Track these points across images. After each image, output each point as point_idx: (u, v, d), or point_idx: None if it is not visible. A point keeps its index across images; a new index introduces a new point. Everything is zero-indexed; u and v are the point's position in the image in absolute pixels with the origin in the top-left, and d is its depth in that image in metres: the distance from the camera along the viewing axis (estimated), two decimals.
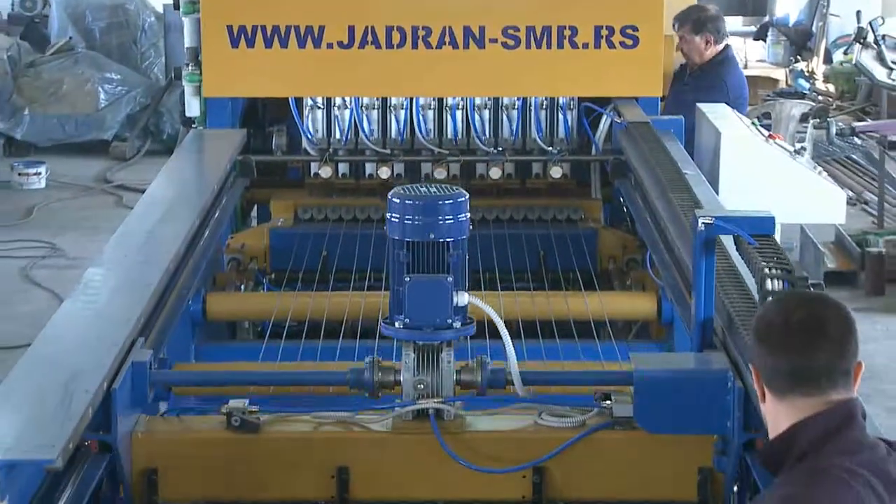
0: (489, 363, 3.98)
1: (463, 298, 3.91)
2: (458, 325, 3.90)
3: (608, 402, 3.84)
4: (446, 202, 3.90)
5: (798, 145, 8.64)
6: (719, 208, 5.09)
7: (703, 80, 8.68)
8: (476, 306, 4.02)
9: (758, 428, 3.53)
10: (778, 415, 2.99)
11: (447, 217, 3.87)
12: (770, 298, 3.62)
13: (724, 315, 4.03)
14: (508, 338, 4.02)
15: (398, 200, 3.92)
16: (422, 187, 4.00)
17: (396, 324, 3.90)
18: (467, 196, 3.97)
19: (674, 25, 8.79)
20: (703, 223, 3.89)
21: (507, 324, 5.53)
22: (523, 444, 3.82)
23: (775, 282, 3.93)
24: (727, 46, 8.96)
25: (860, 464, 2.92)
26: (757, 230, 3.94)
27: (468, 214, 3.97)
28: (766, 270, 3.89)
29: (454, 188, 4.00)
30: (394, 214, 3.93)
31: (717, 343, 3.97)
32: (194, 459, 3.80)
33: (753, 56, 15.51)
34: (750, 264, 4.21)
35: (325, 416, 3.92)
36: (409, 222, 3.88)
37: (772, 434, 3.04)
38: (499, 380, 3.95)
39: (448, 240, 3.90)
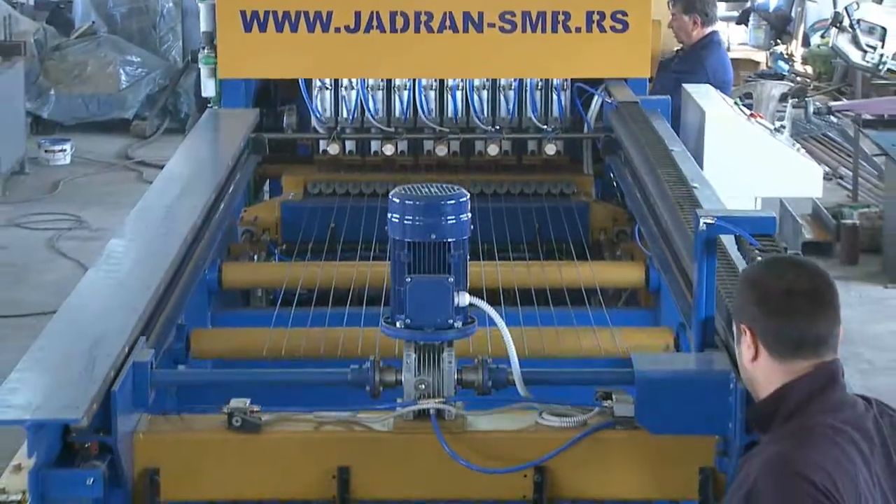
0: (490, 363, 3.76)
1: (464, 299, 3.71)
2: (459, 324, 3.69)
3: (609, 401, 3.65)
4: (448, 203, 3.72)
5: (778, 123, 8.61)
6: (717, 202, 4.94)
7: (685, 63, 8.65)
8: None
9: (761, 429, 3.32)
10: (771, 375, 3.01)
11: (449, 217, 3.70)
12: (756, 262, 3.48)
13: (725, 314, 3.78)
14: (510, 339, 3.77)
15: (399, 201, 3.73)
16: (423, 188, 3.79)
17: (398, 324, 3.71)
18: (468, 196, 3.77)
19: (669, 3, 8.81)
20: (704, 223, 3.71)
21: (505, 292, 5.57)
22: (524, 443, 3.64)
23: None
24: (714, 32, 8.93)
25: (844, 421, 2.94)
26: (758, 230, 3.77)
27: (469, 214, 3.77)
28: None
29: (455, 188, 3.80)
30: (395, 215, 3.73)
31: (719, 342, 3.77)
32: (196, 459, 3.63)
33: (736, 39, 15.44)
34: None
35: (326, 415, 3.71)
36: (410, 223, 3.69)
37: (760, 393, 3.04)
38: (500, 380, 3.74)
39: (449, 240, 3.70)
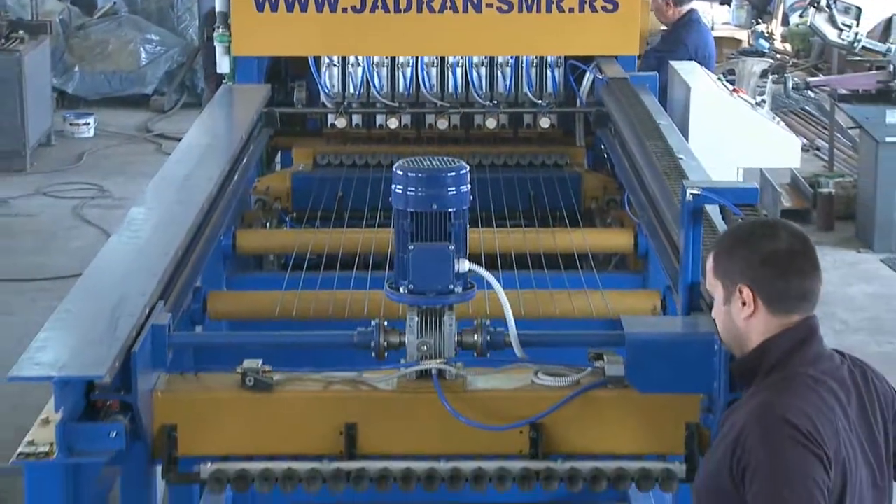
0: (489, 326, 3.76)
1: (464, 265, 3.69)
2: (459, 290, 3.67)
3: (601, 362, 3.64)
4: (449, 174, 3.70)
5: (758, 98, 8.56)
6: (702, 172, 4.90)
7: (666, 42, 8.64)
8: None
9: (742, 387, 3.31)
10: (766, 331, 3.00)
11: (450, 188, 3.68)
12: (736, 226, 3.45)
13: None
14: (507, 303, 3.76)
15: (402, 173, 3.71)
16: (425, 160, 3.76)
17: (401, 289, 3.69)
18: (468, 168, 3.74)
19: None
20: (691, 194, 3.70)
21: (502, 257, 5.56)
22: (521, 402, 3.61)
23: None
24: (692, 10, 8.90)
25: (822, 372, 2.96)
26: (741, 200, 3.76)
27: (469, 186, 3.74)
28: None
29: (456, 161, 3.77)
30: (398, 186, 3.71)
31: (704, 306, 3.75)
32: (211, 416, 3.62)
33: (720, 19, 15.37)
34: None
35: (333, 375, 3.71)
36: (413, 193, 3.67)
37: (746, 349, 3.04)
38: (498, 342, 3.73)
39: (450, 210, 3.68)
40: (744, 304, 3.03)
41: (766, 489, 2.81)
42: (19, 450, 3.29)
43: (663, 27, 8.93)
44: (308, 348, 4.00)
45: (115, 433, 3.33)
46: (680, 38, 8.60)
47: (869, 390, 3.11)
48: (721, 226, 4.07)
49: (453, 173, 3.73)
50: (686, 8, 8.74)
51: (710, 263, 3.17)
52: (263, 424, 3.61)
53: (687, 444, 3.60)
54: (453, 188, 3.71)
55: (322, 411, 3.64)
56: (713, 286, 3.15)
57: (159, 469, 3.70)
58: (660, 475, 3.64)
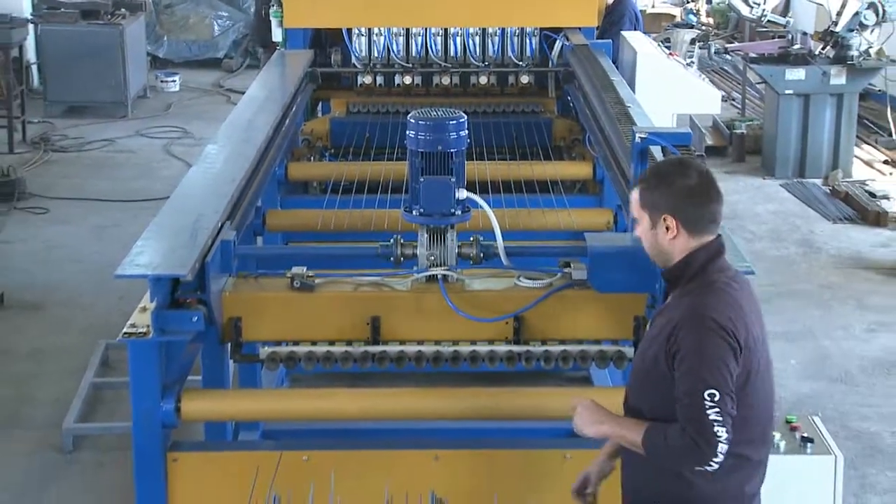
0: (481, 241, 3.74)
1: (463, 193, 3.67)
2: (459, 213, 3.66)
3: (568, 268, 3.61)
4: (450, 122, 3.67)
5: (688, 60, 8.50)
6: (645, 118, 4.79)
7: (613, 14, 8.53)
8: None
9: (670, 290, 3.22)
10: (688, 247, 2.96)
11: (451, 134, 3.65)
12: (655, 165, 3.34)
13: None
14: (496, 222, 3.71)
15: (414, 121, 3.68)
16: (432, 111, 3.71)
17: (414, 211, 3.68)
18: (465, 117, 3.69)
19: None
20: (639, 137, 3.66)
21: (492, 184, 5.51)
22: (507, 299, 3.59)
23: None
24: None
25: (730, 277, 2.92)
26: (678, 142, 3.69)
27: (466, 131, 3.69)
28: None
29: (456, 111, 3.72)
30: (411, 131, 3.68)
31: None
32: (267, 311, 3.59)
33: None
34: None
35: (361, 279, 3.67)
36: (423, 137, 3.65)
37: (670, 263, 3.01)
38: (488, 253, 3.72)
39: (451, 150, 3.65)
40: (668, 228, 2.95)
41: (690, 369, 2.78)
42: (124, 330, 3.31)
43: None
44: (342, 259, 3.99)
45: (196, 318, 3.33)
46: (620, 12, 8.51)
47: (759, 304, 3.06)
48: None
49: (454, 122, 3.70)
50: None
51: (635, 196, 3.03)
52: (307, 317, 3.59)
53: (635, 332, 3.58)
54: (455, 133, 3.68)
55: (352, 307, 3.62)
56: (640, 215, 3.01)
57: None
58: (613, 356, 3.65)
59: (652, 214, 2.98)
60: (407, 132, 3.70)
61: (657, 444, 2.82)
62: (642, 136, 3.65)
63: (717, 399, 2.74)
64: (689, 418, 2.76)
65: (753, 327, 2.89)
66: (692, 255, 2.95)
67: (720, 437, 2.73)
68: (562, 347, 3.62)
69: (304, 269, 3.64)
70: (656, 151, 3.80)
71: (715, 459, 2.74)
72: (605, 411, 2.98)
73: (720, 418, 2.73)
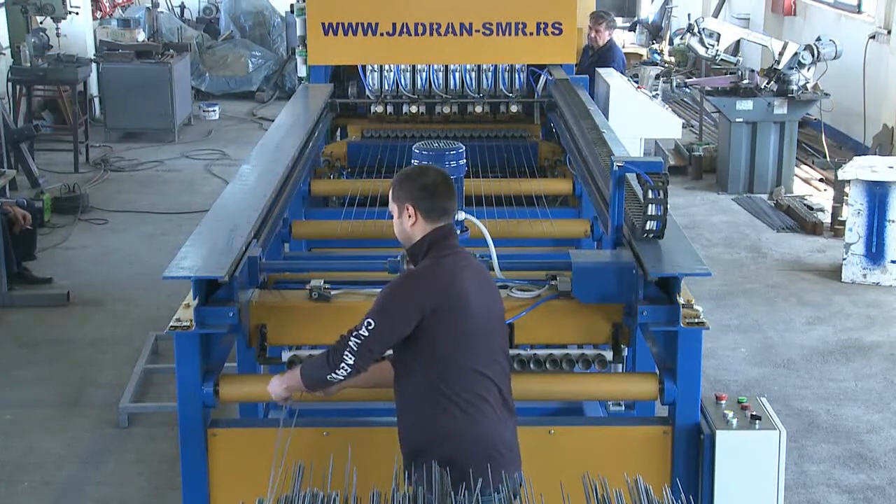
0: (478, 256, 3.55)
1: (461, 215, 3.64)
2: (458, 231, 3.47)
3: (555, 281, 3.54)
4: (450, 153, 3.66)
5: (654, 92, 8.48)
6: (621, 147, 4.69)
7: (602, 58, 8.51)
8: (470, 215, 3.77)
9: (651, 299, 3.26)
10: (424, 231, 3.08)
11: (450, 162, 3.65)
12: (404, 170, 3.30)
13: (630, 224, 3.66)
14: (491, 240, 3.61)
15: (419, 151, 3.66)
16: (434, 143, 3.66)
17: None
18: (464, 148, 3.63)
19: (590, 21, 8.69)
20: (617, 165, 3.60)
21: (486, 198, 5.49)
22: None
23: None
24: (611, 38, 8.80)
25: (455, 255, 3.07)
26: (651, 169, 3.58)
27: (464, 159, 3.63)
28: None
29: (454, 143, 3.66)
30: (415, 161, 3.67)
31: (625, 242, 3.63)
32: (289, 318, 3.54)
33: (628, 41, 15.24)
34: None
35: (373, 291, 3.56)
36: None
37: (411, 242, 3.11)
38: (486, 265, 3.53)
39: (451, 177, 3.62)
40: (410, 216, 3.08)
41: (378, 299, 2.99)
42: (170, 324, 3.28)
43: (586, 45, 8.80)
44: (353, 271, 3.96)
45: (231, 313, 3.29)
46: (612, 54, 8.50)
47: (488, 277, 3.21)
48: (637, 188, 3.80)
49: (453, 152, 3.70)
50: (609, 36, 8.67)
51: (390, 192, 3.15)
52: (324, 324, 3.53)
53: (613, 338, 3.51)
54: (454, 162, 3.68)
55: (364, 315, 3.57)
56: (392, 207, 3.14)
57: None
58: (594, 358, 3.61)
59: (399, 205, 3.11)
60: (412, 161, 3.69)
61: (306, 366, 3.06)
62: (620, 164, 3.60)
63: (370, 328, 2.93)
64: (336, 342, 2.96)
65: (469, 287, 2.99)
66: (426, 238, 3.07)
67: (347, 360, 2.95)
68: (548, 351, 3.59)
69: (322, 281, 3.59)
70: (632, 178, 3.76)
71: (337, 372, 2.98)
72: (288, 372, 3.16)
73: (356, 345, 2.93)
